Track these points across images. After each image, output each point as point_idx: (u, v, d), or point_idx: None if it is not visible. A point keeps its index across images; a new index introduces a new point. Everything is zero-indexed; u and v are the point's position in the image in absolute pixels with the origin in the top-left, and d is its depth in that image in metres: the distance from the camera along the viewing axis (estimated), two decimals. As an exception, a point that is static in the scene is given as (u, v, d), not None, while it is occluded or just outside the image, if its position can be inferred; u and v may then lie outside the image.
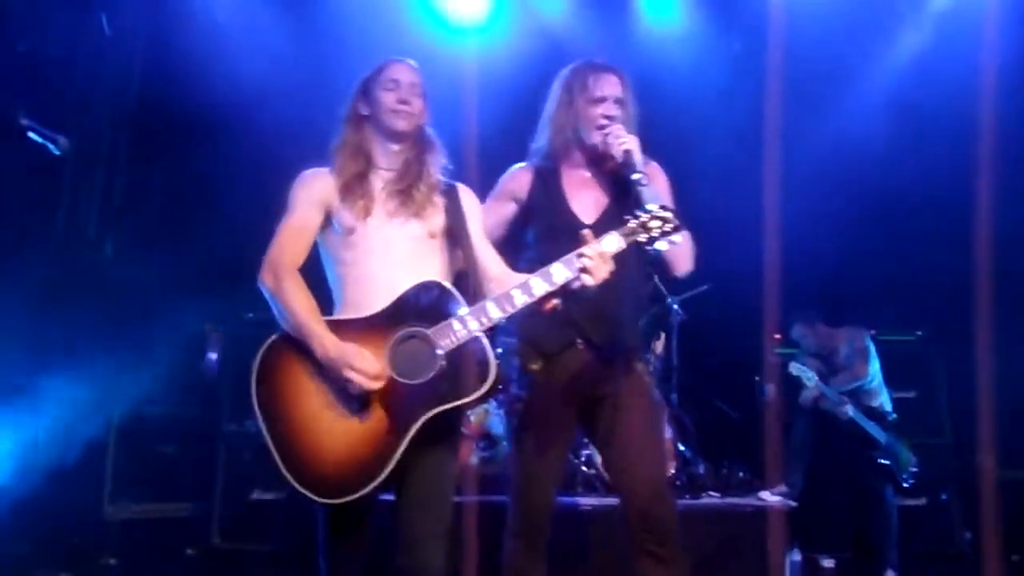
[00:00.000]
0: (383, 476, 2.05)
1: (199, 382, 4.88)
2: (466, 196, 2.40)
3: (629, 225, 2.16)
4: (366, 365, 2.06)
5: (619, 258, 2.32)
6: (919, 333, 5.33)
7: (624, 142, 2.41)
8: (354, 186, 2.26)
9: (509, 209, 2.64)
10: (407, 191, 2.28)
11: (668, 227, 2.15)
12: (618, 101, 2.52)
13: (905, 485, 4.79)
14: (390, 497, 2.21)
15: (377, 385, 2.07)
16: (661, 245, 2.16)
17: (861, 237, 5.41)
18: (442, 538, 2.15)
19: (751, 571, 3.65)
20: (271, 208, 2.30)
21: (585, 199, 2.57)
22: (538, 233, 2.57)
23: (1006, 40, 4.47)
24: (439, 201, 2.31)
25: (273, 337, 2.18)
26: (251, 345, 2.19)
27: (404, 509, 2.17)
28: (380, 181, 2.31)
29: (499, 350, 2.16)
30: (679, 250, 2.43)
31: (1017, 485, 4.93)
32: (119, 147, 4.90)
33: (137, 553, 4.52)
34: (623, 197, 2.45)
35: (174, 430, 4.94)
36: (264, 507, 4.59)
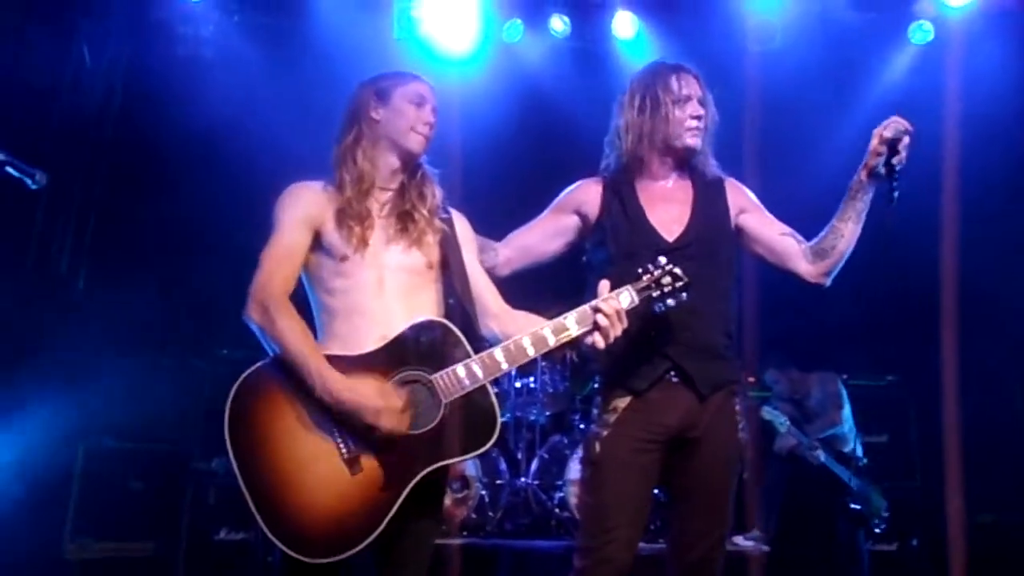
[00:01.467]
0: (373, 537, 1.86)
1: (168, 418, 4.80)
2: (461, 224, 2.24)
3: (643, 280, 2.08)
4: (387, 401, 1.89)
5: (708, 279, 2.25)
6: (890, 378, 5.38)
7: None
8: (355, 205, 2.06)
9: (570, 221, 2.48)
10: (408, 214, 2.11)
11: (679, 284, 2.08)
12: (701, 101, 2.41)
13: (876, 530, 4.80)
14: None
15: (407, 420, 1.90)
16: (670, 303, 2.09)
17: (832, 281, 5.48)
18: None
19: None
20: (249, 243, 2.12)
21: (666, 214, 2.39)
22: (614, 253, 2.34)
23: (972, 88, 4.63)
24: (438, 226, 2.15)
25: (250, 370, 1.95)
26: (225, 382, 2.03)
27: (383, 570, 2.01)
28: (377, 203, 2.12)
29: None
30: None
31: (987, 529, 4.97)
32: (94, 180, 4.87)
33: (98, 594, 4.40)
34: (707, 205, 2.39)
35: (141, 467, 4.83)
36: (231, 548, 4.50)
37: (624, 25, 5.13)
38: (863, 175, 2.31)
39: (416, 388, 1.95)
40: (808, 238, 2.46)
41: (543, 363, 4.85)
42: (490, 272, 2.44)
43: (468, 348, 2.00)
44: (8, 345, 3.96)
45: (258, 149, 4.70)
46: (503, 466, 4.60)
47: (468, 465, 4.36)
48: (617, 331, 2.02)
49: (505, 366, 1.99)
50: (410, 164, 2.17)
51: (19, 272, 4.35)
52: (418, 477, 1.91)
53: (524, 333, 2.02)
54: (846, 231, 2.36)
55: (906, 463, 5.36)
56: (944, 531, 5.24)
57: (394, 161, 2.15)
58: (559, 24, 5.19)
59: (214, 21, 5.03)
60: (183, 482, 4.72)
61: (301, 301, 2.08)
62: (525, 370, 4.88)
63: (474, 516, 4.33)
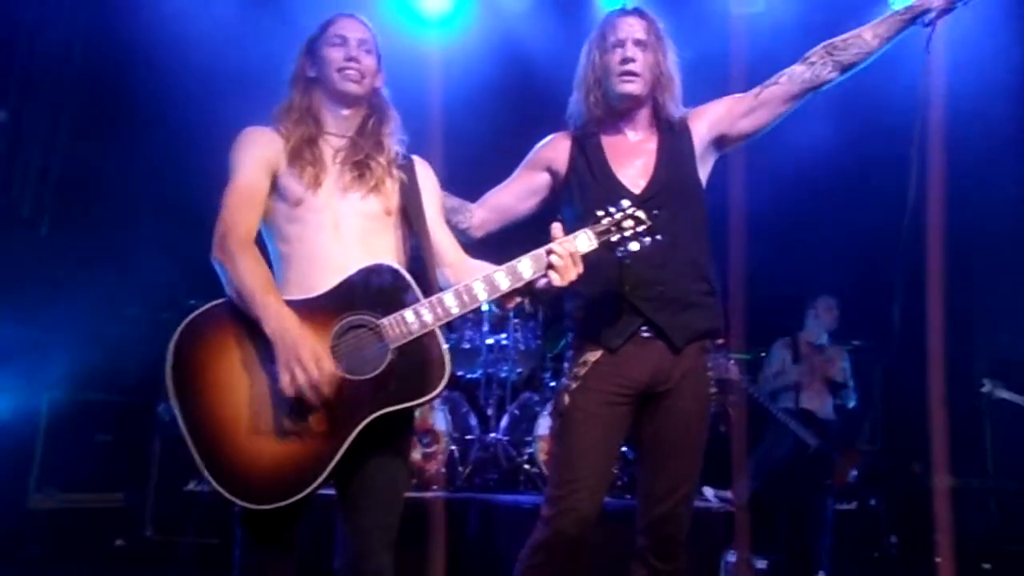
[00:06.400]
0: (318, 482, 1.84)
1: (135, 369, 4.75)
2: (423, 170, 2.19)
3: (602, 223, 2.02)
4: (317, 366, 1.81)
5: (679, 228, 2.20)
6: (856, 343, 5.47)
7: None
8: (303, 151, 2.03)
9: (542, 179, 2.43)
10: (364, 163, 2.07)
11: (641, 228, 2.03)
12: (638, 43, 2.31)
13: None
14: (329, 492, 2.02)
15: (318, 394, 1.81)
16: (634, 247, 2.03)
17: (801, 248, 5.54)
18: (392, 549, 1.98)
19: (686, 571, 3.69)
20: (215, 192, 2.06)
21: (631, 168, 2.33)
22: (582, 211, 2.25)
23: (956, 48, 4.60)
24: (397, 175, 2.11)
25: (197, 311, 1.90)
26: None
27: (351, 515, 1.98)
28: (331, 149, 2.08)
29: (447, 345, 2.00)
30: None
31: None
32: (58, 126, 4.73)
33: (64, 544, 4.38)
34: (672, 152, 2.33)
35: (108, 418, 4.80)
36: (199, 499, 4.49)
37: (607, -22, 5.06)
38: (936, 3, 2.30)
39: (363, 333, 1.91)
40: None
41: (515, 320, 4.86)
42: (465, 234, 2.42)
43: (418, 293, 1.95)
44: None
45: (226, 95, 4.57)
46: (473, 421, 4.63)
47: (438, 420, 4.38)
48: (571, 274, 1.96)
49: (455, 311, 1.94)
50: (359, 108, 2.14)
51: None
52: (364, 423, 1.87)
53: (476, 278, 1.98)
54: (874, 51, 2.34)
55: (868, 425, 5.51)
56: (901, 491, 5.40)
57: (341, 110, 2.12)
58: (541, -25, 5.11)
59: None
60: (150, 433, 4.69)
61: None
62: (498, 327, 4.89)
63: (443, 471, 4.36)
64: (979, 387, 5.00)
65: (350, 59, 2.08)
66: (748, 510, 4.46)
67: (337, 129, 2.12)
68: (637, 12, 2.38)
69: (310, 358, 1.81)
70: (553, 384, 4.71)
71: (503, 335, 4.87)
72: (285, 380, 1.81)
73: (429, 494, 4.18)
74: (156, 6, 4.69)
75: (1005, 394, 4.97)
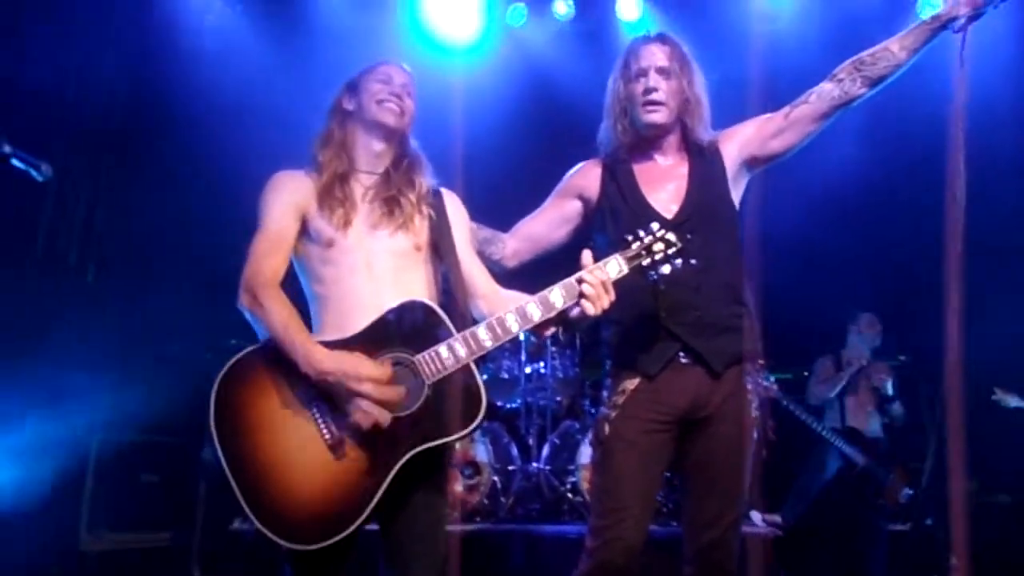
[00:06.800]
0: (360, 521, 1.87)
1: (179, 410, 4.82)
2: (451, 203, 2.22)
3: (632, 247, 2.03)
4: (373, 370, 1.86)
5: (712, 251, 2.19)
6: (903, 358, 5.36)
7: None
8: (334, 189, 2.06)
9: (574, 207, 2.45)
10: (394, 199, 2.09)
11: (672, 250, 2.03)
12: (661, 71, 2.33)
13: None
14: (372, 527, 2.02)
15: (393, 394, 1.87)
16: (665, 269, 2.04)
17: (845, 262, 5.45)
18: None
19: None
20: (249, 233, 2.11)
21: (663, 193, 2.34)
22: (615, 237, 2.25)
23: (982, 66, 4.55)
24: (426, 211, 2.14)
25: (236, 357, 1.95)
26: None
27: (396, 553, 1.99)
28: (360, 187, 2.12)
29: (484, 376, 2.06)
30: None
31: (1000, 509, 4.97)
32: (101, 173, 4.87)
33: (114, 584, 4.44)
34: (703, 176, 2.32)
35: (154, 459, 4.87)
36: (244, 538, 4.52)
37: (628, 7, 5.10)
38: (964, 10, 2.27)
39: (399, 370, 1.93)
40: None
41: (553, 348, 4.85)
42: (498, 264, 2.44)
43: (451, 328, 1.97)
44: (19, 339, 3.97)
45: (265, 139, 4.68)
46: (515, 452, 4.61)
47: (480, 451, 4.37)
48: (603, 301, 1.98)
49: (489, 344, 1.96)
50: (392, 144, 2.17)
51: (28, 264, 4.37)
52: (404, 459, 1.89)
53: (508, 309, 1.99)
54: (903, 63, 2.33)
55: (919, 443, 5.35)
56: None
57: (373, 143, 2.15)
58: (563, 7, 5.17)
59: (215, 11, 5.02)
60: (196, 473, 4.74)
61: (298, 299, 2.07)
62: (536, 356, 4.88)
63: (486, 502, 4.34)
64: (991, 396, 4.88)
65: (393, 94, 2.13)
66: (796, 534, 4.36)
67: (369, 166, 2.15)
68: (660, 38, 2.39)
69: (364, 374, 1.84)
70: (593, 412, 4.68)
71: (541, 364, 4.85)
72: (352, 414, 1.86)
73: (472, 526, 4.15)
74: (193, 63, 4.83)
75: (1017, 402, 4.83)
